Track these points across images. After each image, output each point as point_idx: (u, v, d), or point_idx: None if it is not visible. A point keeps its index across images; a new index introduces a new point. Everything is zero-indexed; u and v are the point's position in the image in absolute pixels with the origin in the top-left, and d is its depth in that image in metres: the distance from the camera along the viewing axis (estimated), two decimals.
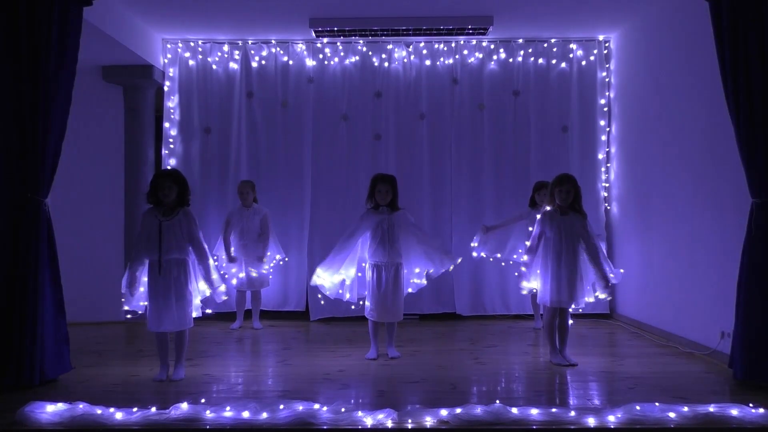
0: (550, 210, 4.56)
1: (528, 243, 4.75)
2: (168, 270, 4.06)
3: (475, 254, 5.91)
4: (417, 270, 4.80)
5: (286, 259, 6.32)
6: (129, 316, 4.07)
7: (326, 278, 4.72)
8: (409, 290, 4.90)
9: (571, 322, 4.69)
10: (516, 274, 5.15)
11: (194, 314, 4.26)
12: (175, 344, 4.24)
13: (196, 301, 4.27)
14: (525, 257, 4.74)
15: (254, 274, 5.88)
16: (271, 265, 6.12)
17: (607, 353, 5.05)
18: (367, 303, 4.76)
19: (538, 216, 4.67)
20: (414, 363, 4.63)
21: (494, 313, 6.61)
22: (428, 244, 4.77)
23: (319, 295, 5.15)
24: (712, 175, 4.78)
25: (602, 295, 4.56)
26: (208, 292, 4.25)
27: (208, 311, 4.40)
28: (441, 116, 6.71)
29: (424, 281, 4.88)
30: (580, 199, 4.55)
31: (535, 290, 4.98)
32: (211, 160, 6.69)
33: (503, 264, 6.28)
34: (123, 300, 4.13)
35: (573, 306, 4.53)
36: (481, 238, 5.85)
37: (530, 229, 5.10)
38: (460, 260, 4.94)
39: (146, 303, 4.16)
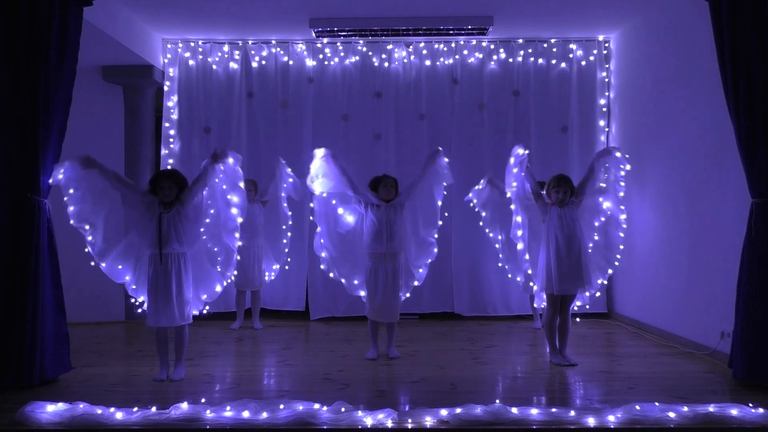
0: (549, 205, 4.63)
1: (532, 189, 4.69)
2: (168, 264, 4.06)
3: (470, 195, 5.86)
4: (440, 203, 4.90)
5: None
6: (50, 181, 4.05)
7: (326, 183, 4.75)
8: (407, 295, 4.91)
9: (578, 320, 4.67)
10: (532, 285, 5.08)
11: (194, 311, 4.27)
12: (175, 343, 4.24)
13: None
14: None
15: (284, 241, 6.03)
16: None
17: (607, 353, 5.06)
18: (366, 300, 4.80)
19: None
20: (414, 363, 4.63)
21: (494, 313, 6.60)
22: (422, 173, 4.84)
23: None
24: (712, 175, 4.78)
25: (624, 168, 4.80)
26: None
27: (205, 310, 4.35)
28: (441, 116, 6.71)
29: (434, 250, 4.94)
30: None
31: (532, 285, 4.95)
32: None
33: (488, 232, 5.96)
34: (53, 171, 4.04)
35: (579, 293, 4.56)
36: (485, 187, 5.74)
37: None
38: (440, 148, 4.99)
39: (144, 298, 4.18)
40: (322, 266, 4.94)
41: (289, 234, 6.17)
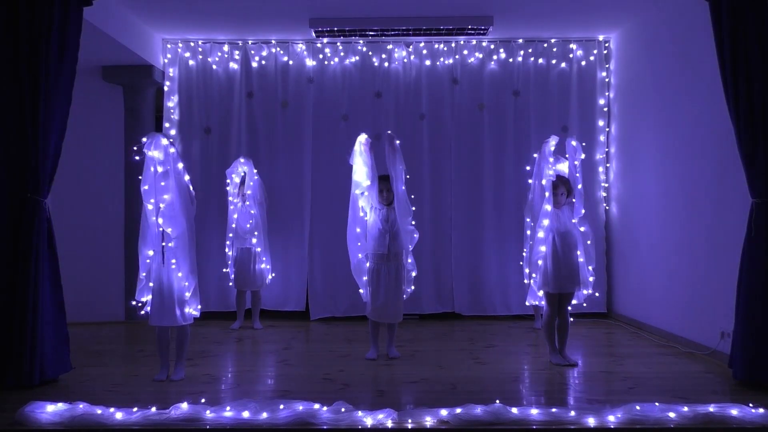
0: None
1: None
2: (170, 263, 4.05)
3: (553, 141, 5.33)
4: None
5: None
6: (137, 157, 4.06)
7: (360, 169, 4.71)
8: (412, 287, 4.92)
9: (571, 319, 4.69)
10: (532, 277, 5.01)
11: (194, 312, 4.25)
12: (176, 343, 4.24)
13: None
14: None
15: (254, 241, 5.91)
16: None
17: (607, 353, 5.05)
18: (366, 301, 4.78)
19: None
20: (414, 363, 4.63)
21: (494, 313, 6.60)
22: (392, 168, 4.70)
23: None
24: (711, 175, 4.78)
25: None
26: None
27: (193, 310, 4.28)
28: (441, 116, 6.71)
29: (416, 236, 4.86)
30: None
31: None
32: (211, 160, 6.68)
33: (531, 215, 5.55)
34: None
35: (576, 290, 4.56)
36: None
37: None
38: (389, 131, 4.90)
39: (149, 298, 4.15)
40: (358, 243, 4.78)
41: (256, 233, 5.96)
